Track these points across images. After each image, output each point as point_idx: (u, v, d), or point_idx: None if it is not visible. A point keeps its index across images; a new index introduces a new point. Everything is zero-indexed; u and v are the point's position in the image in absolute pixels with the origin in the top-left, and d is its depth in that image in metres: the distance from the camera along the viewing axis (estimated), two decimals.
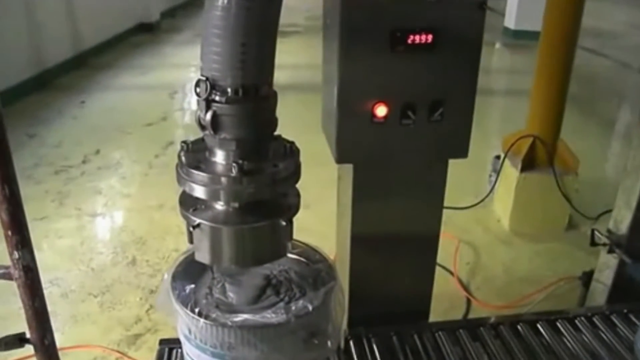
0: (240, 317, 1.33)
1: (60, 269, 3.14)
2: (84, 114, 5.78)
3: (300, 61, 6.68)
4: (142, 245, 3.39)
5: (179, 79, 7.09)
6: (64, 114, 5.70)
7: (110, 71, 7.34)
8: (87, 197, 4.02)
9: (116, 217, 3.82)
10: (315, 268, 1.56)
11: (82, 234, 3.55)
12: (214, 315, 1.35)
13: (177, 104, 6.31)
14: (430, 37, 1.63)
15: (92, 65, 7.49)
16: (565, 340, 2.00)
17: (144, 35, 9.42)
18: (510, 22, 9.32)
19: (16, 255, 1.36)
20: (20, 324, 1.41)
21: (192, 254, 1.42)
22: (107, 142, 4.99)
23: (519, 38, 8.82)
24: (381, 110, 1.70)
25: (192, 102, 6.34)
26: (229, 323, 1.32)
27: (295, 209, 1.41)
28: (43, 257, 3.14)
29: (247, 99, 1.26)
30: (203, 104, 1.27)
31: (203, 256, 1.37)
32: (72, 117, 5.65)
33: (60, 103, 6.00)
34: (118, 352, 2.54)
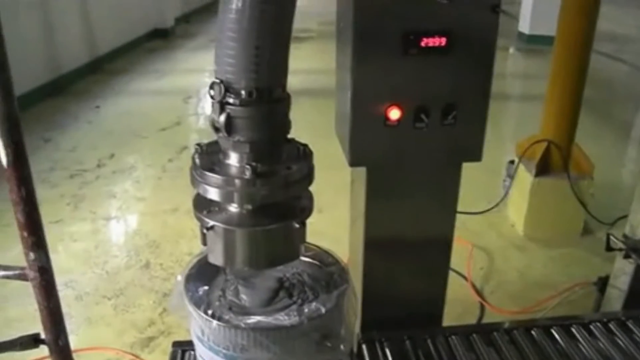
0: (253, 319, 1.33)
1: (74, 272, 3.16)
2: (99, 119, 5.84)
3: (314, 66, 6.69)
4: (155, 248, 3.41)
5: (193, 84, 7.13)
6: (79, 119, 5.76)
7: (125, 76, 7.41)
8: (101, 201, 4.05)
9: (130, 220, 3.85)
10: (328, 271, 1.55)
11: (96, 237, 3.57)
12: (226, 317, 1.35)
13: (192, 109, 6.35)
14: (443, 40, 1.63)
15: (107, 71, 7.57)
16: (580, 346, 1.97)
17: (158, 40, 9.51)
18: (524, 26, 9.27)
19: (32, 256, 1.37)
20: (35, 326, 1.43)
21: (206, 256, 1.43)
22: (122, 147, 5.03)
23: (533, 43, 8.77)
24: (394, 114, 1.69)
25: (206, 107, 6.37)
26: (242, 325, 1.32)
27: (309, 211, 1.41)
28: (58, 260, 3.17)
29: (260, 102, 1.26)
30: (217, 106, 1.27)
31: (216, 258, 1.38)
32: (87, 122, 5.71)
33: (75, 108, 6.07)
34: (132, 354, 2.55)
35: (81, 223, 3.73)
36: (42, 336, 1.45)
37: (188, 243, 3.42)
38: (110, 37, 8.04)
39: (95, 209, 3.92)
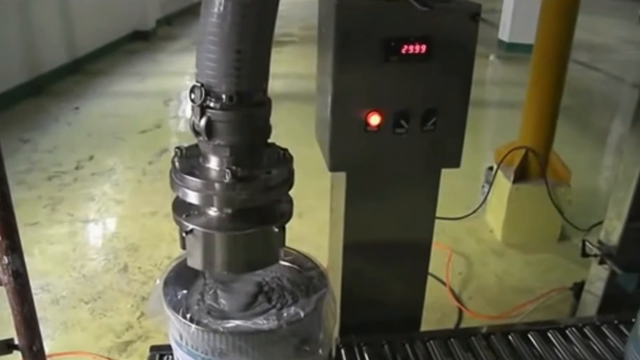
0: (232, 323, 1.33)
1: (51, 275, 3.12)
2: (79, 120, 5.77)
3: (295, 71, 6.70)
4: (134, 252, 3.38)
5: (174, 87, 7.09)
6: (58, 120, 5.69)
7: (105, 78, 7.34)
8: (79, 203, 4.01)
9: (109, 223, 3.81)
10: (308, 275, 1.56)
11: (74, 240, 3.53)
12: (205, 321, 1.35)
13: (172, 112, 6.31)
14: (424, 47, 1.65)
15: (87, 72, 7.49)
16: (556, 350, 2.00)
17: (139, 42, 9.43)
18: (504, 34, 9.38)
19: (5, 260, 1.35)
20: (11, 330, 1.41)
21: (184, 260, 1.42)
22: (101, 149, 4.98)
23: (513, 51, 8.87)
24: (374, 119, 1.71)
25: (187, 109, 6.34)
26: (221, 329, 1.32)
27: (288, 215, 1.41)
28: (34, 263, 3.13)
29: (241, 106, 1.26)
30: (197, 110, 1.27)
31: (195, 262, 1.37)
32: (66, 123, 5.64)
33: (54, 109, 5.99)
34: (108, 359, 2.52)
35: (58, 226, 3.68)
36: (16, 341, 1.43)
37: (167, 246, 3.39)
38: (91, 38, 7.96)
39: (73, 212, 3.87)
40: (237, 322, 1.34)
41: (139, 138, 5.33)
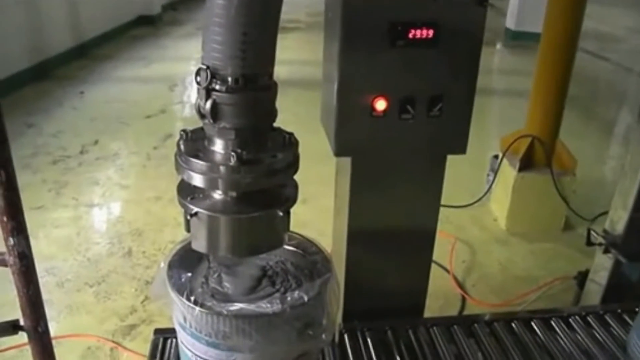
0: (236, 306, 1.33)
1: (56, 258, 3.13)
2: (83, 105, 5.78)
3: (301, 57, 6.68)
4: (138, 236, 3.39)
5: (179, 72, 7.08)
6: (63, 104, 5.69)
7: (111, 63, 7.33)
8: (84, 188, 4.01)
9: (113, 208, 3.82)
10: (312, 260, 1.56)
11: (78, 224, 3.54)
12: (209, 304, 1.35)
13: (177, 97, 6.31)
14: (431, 32, 1.63)
15: (92, 56, 7.48)
16: (559, 338, 2.00)
17: (144, 27, 9.41)
18: (511, 23, 9.31)
19: (11, 241, 1.35)
20: (16, 312, 1.41)
21: (189, 243, 1.42)
22: (106, 133, 4.98)
23: (520, 39, 8.81)
24: (381, 104, 1.70)
25: (192, 95, 6.33)
26: (225, 312, 1.32)
27: (293, 200, 1.41)
28: (39, 246, 3.15)
29: (247, 89, 1.26)
30: (203, 92, 1.27)
31: (200, 245, 1.38)
32: (71, 108, 5.64)
33: (59, 93, 5.99)
34: (113, 342, 2.54)
35: (63, 209, 3.69)
36: (21, 323, 1.44)
37: (171, 231, 3.40)
38: (96, 22, 7.94)
39: (77, 196, 3.88)
40: (241, 305, 1.34)
41: (143, 123, 5.33)
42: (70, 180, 4.10)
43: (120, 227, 3.51)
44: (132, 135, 5.05)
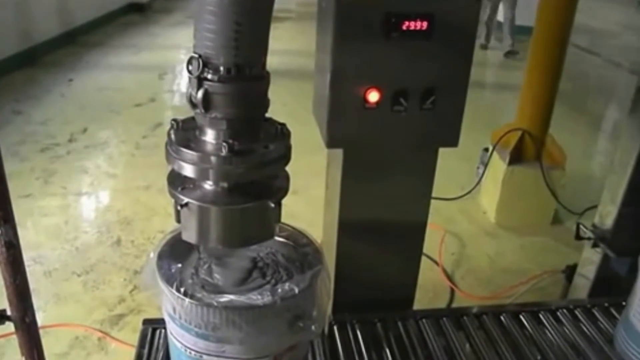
0: (226, 298, 1.32)
1: (44, 247, 3.11)
2: (72, 92, 5.72)
3: (292, 48, 6.65)
4: (127, 225, 3.37)
5: (168, 61, 7.03)
6: (52, 92, 5.63)
7: (100, 50, 7.26)
8: (73, 176, 3.98)
9: (102, 196, 3.79)
10: (303, 251, 1.55)
11: (67, 213, 3.51)
12: (199, 295, 1.34)
13: (167, 86, 6.26)
14: (425, 24, 1.62)
15: (81, 43, 7.40)
16: (547, 331, 2.01)
17: (134, 15, 9.33)
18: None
19: None
20: (3, 302, 1.40)
21: (179, 234, 1.41)
22: (95, 121, 4.94)
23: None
24: (373, 96, 1.69)
25: (182, 84, 6.29)
26: (215, 303, 1.31)
27: (285, 191, 1.40)
28: (26, 235, 3.12)
29: (239, 78, 1.24)
30: (195, 81, 1.25)
31: (190, 236, 1.36)
32: (59, 95, 5.59)
33: (48, 80, 5.93)
34: (101, 331, 2.52)
35: (51, 198, 3.66)
36: (8, 313, 1.42)
37: (160, 221, 3.38)
38: (86, 9, 7.86)
39: (66, 184, 3.85)
40: (231, 296, 1.34)
41: (133, 111, 5.29)
42: (58, 168, 4.06)
43: (109, 216, 3.48)
44: (122, 123, 5.01)
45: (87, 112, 5.18)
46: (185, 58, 1.26)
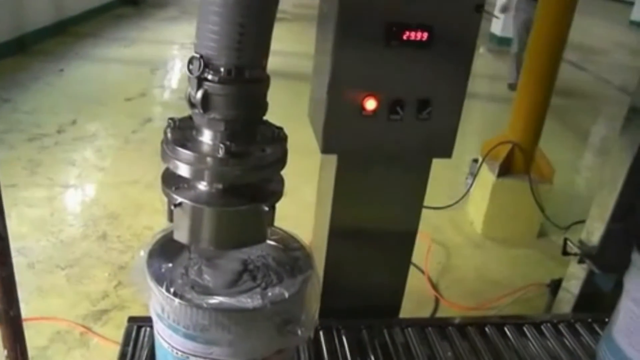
0: (216, 300, 1.32)
1: (28, 239, 3.07)
2: (62, 83, 5.66)
3: (287, 49, 6.63)
4: (113, 220, 3.34)
5: (160, 56, 6.99)
6: (41, 81, 5.57)
7: (92, 41, 7.20)
8: (60, 168, 3.94)
9: (89, 190, 3.76)
10: (293, 255, 1.55)
11: (52, 205, 3.48)
12: (189, 296, 1.33)
13: (158, 81, 6.22)
14: (425, 34, 1.63)
15: (73, 34, 7.33)
16: (530, 344, 2.03)
17: (128, 8, 9.27)
18: (496, 28, 9.38)
19: None
20: None
21: (170, 233, 1.40)
22: (84, 113, 4.90)
23: (504, 44, 8.88)
24: (371, 104, 1.69)
25: (173, 79, 6.26)
26: (204, 304, 1.30)
27: (279, 195, 1.39)
28: (10, 226, 3.02)
29: (240, 80, 1.24)
30: (195, 81, 1.24)
31: (182, 236, 1.35)
32: (49, 85, 5.53)
33: (37, 69, 5.87)
34: (83, 326, 2.50)
35: (37, 189, 3.62)
36: None
37: (147, 216, 3.35)
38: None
39: (52, 176, 3.81)
40: (221, 298, 1.33)
41: (123, 105, 5.26)
42: (45, 159, 4.02)
43: (95, 210, 3.45)
44: (111, 117, 4.97)
45: (76, 103, 5.13)
46: (178, 54, 1.26)
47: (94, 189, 3.76)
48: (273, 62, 1.31)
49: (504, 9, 7.20)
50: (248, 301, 1.33)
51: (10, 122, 4.54)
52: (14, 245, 2.92)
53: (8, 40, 6.04)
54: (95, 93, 5.43)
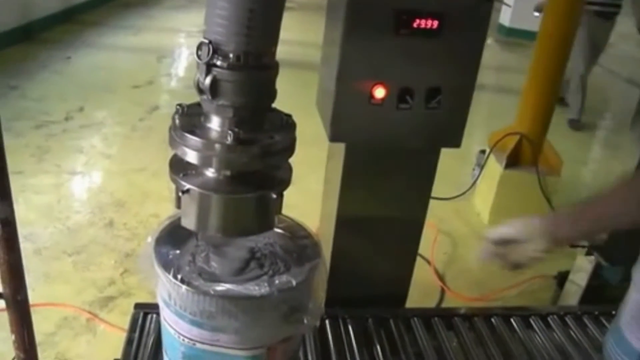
0: (223, 287, 1.31)
1: (35, 225, 3.09)
2: (70, 70, 5.67)
3: (294, 37, 6.61)
4: (120, 207, 3.35)
5: (168, 44, 6.97)
6: (49, 68, 5.58)
7: (99, 29, 7.19)
8: (67, 155, 3.95)
9: (96, 177, 3.77)
10: (301, 244, 1.54)
11: (59, 192, 3.49)
12: (196, 283, 1.33)
13: (165, 69, 6.22)
14: (435, 22, 1.62)
15: (80, 21, 7.33)
16: (536, 336, 2.03)
17: None
18: (505, 19, 9.32)
19: None
20: None
21: (177, 220, 1.40)
22: (92, 101, 4.90)
23: (512, 36, 8.84)
24: (379, 92, 1.68)
25: (180, 67, 6.25)
26: (212, 292, 1.30)
27: (287, 183, 1.39)
28: (18, 212, 3.04)
29: (249, 67, 1.23)
30: (203, 67, 1.23)
31: (190, 222, 1.35)
32: (56, 72, 5.54)
33: (45, 57, 5.87)
34: (89, 313, 2.51)
35: (44, 176, 3.63)
36: (0, 290, 1.41)
37: (154, 204, 3.36)
38: None
39: (60, 163, 3.82)
40: (228, 285, 1.33)
41: (130, 93, 5.25)
42: (53, 146, 4.03)
43: (102, 197, 3.46)
44: (118, 104, 4.97)
45: (84, 91, 5.13)
46: (185, 42, 1.25)
47: (101, 177, 3.77)
48: (280, 51, 1.30)
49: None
50: (255, 289, 1.32)
51: (18, 109, 4.55)
52: (21, 231, 2.94)
53: (15, 27, 6.04)
54: (103, 81, 5.43)
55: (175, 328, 1.40)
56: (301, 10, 9.23)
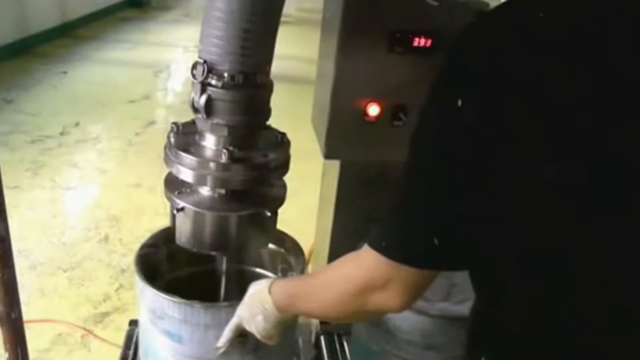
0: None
1: (29, 240, 3.08)
2: (65, 85, 5.68)
3: (290, 52, 6.64)
4: (116, 222, 3.34)
5: (164, 59, 6.99)
6: (44, 83, 5.59)
7: (95, 44, 7.21)
8: (62, 170, 3.95)
9: (91, 192, 3.76)
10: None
11: (55, 207, 3.48)
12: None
13: (161, 84, 6.23)
14: (429, 41, 1.64)
15: (76, 36, 7.35)
16: None
17: (132, 10, 9.28)
18: None
19: None
20: None
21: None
22: (87, 115, 4.90)
23: None
24: (373, 110, 1.70)
25: (177, 82, 6.27)
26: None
27: (281, 200, 1.40)
28: (12, 227, 3.03)
29: (243, 86, 1.24)
30: (198, 86, 1.24)
31: (184, 240, 1.35)
32: (52, 87, 5.54)
33: (41, 71, 5.88)
34: (84, 329, 2.50)
35: (39, 191, 3.63)
36: None
37: (149, 220, 3.35)
38: (83, 2, 7.81)
39: (55, 178, 3.81)
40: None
41: (126, 108, 5.26)
42: (48, 161, 4.03)
43: (97, 213, 3.46)
44: (114, 119, 4.98)
45: (79, 105, 5.14)
46: (182, 57, 1.26)
47: (97, 192, 3.77)
48: (275, 66, 1.32)
49: None
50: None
51: (14, 123, 4.55)
52: (15, 246, 2.92)
53: (11, 42, 6.06)
54: (99, 95, 5.44)
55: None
56: (298, 25, 9.30)
